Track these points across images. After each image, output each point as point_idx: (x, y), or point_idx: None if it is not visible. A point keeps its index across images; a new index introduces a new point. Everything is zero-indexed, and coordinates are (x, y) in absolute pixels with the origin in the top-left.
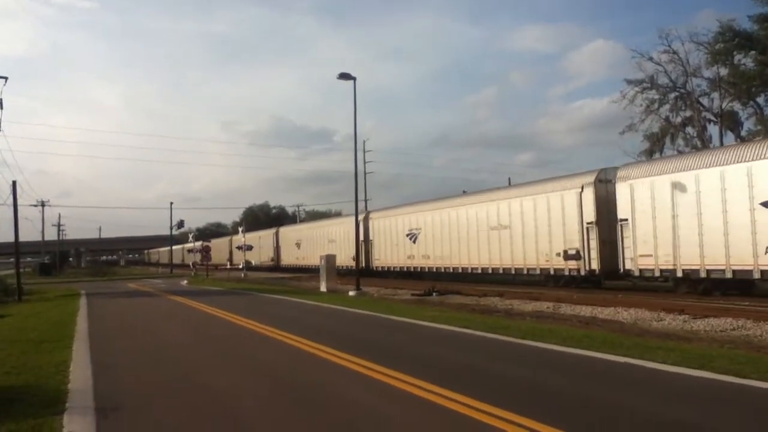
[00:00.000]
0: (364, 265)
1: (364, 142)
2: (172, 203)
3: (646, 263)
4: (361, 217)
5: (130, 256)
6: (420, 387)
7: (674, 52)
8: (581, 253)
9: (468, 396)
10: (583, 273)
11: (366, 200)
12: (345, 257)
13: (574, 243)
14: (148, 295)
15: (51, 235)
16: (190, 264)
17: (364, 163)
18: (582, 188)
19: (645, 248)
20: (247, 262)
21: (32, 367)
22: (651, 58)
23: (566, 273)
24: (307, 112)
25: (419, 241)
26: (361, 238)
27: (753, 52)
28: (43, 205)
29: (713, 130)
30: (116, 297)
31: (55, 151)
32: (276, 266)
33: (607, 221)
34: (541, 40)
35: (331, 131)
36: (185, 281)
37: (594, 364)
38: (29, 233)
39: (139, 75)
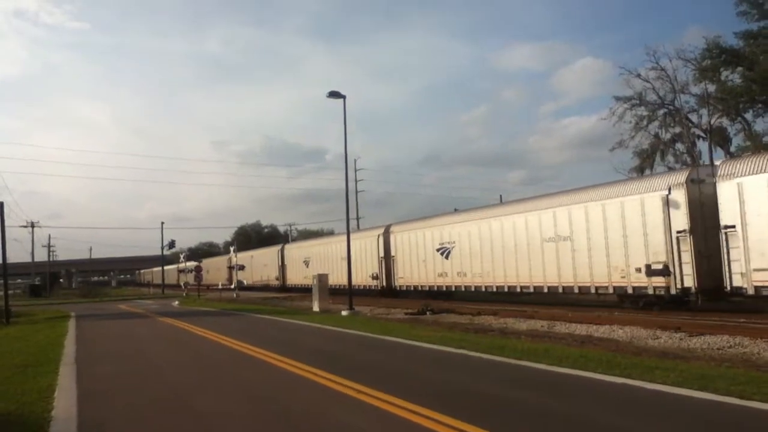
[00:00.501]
0: (385, 284)
1: (355, 160)
2: (163, 223)
3: (763, 279)
4: (380, 231)
5: (122, 276)
6: (419, 414)
7: (662, 69)
8: (670, 268)
9: (467, 423)
10: (673, 291)
11: (357, 219)
12: (363, 276)
13: (660, 256)
14: (139, 317)
15: (41, 256)
16: (182, 284)
17: (356, 181)
18: (669, 190)
19: (761, 261)
20: (239, 282)
21: (15, 394)
22: (639, 75)
23: (650, 291)
24: (299, 131)
25: (453, 256)
26: (382, 254)
27: (740, 68)
28: (32, 226)
29: (702, 146)
30: (106, 319)
31: (44, 171)
32: (282, 286)
33: (704, 229)
34: (530, 58)
35: (322, 150)
36: (176, 302)
37: (592, 386)
38: (18, 255)
39: (129, 95)
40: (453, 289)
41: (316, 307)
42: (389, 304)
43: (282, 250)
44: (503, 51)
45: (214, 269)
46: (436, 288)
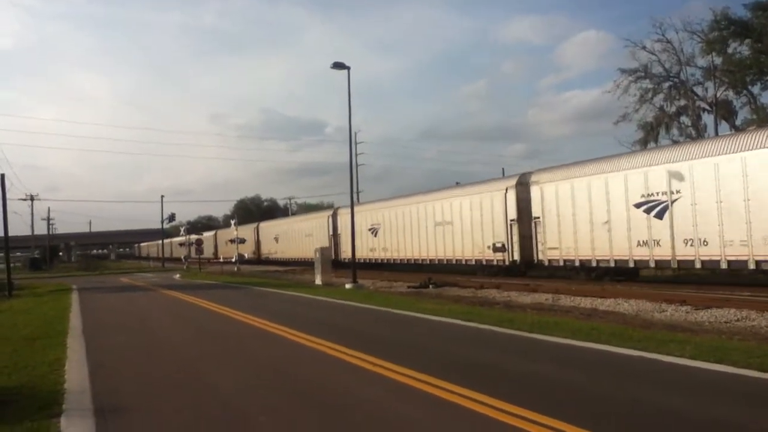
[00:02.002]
0: (333, 256)
1: (355, 134)
2: (163, 196)
3: (553, 254)
4: (329, 213)
5: (121, 250)
6: (437, 386)
7: (668, 41)
8: (506, 246)
9: (491, 396)
10: (507, 263)
11: (358, 192)
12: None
13: (501, 237)
14: (142, 290)
15: (40, 229)
16: (182, 258)
17: (356, 155)
18: (506, 190)
19: (552, 242)
20: (240, 256)
21: (25, 367)
22: (644, 47)
23: (494, 263)
24: (298, 104)
25: (379, 235)
26: (331, 232)
27: (748, 40)
28: (32, 198)
29: (708, 119)
30: (109, 292)
31: (43, 144)
32: (257, 259)
33: (526, 218)
34: (532, 31)
35: (322, 123)
36: (178, 275)
37: (610, 359)
38: (18, 228)
39: (126, 67)
40: (379, 261)
41: (318, 281)
42: (391, 278)
43: (257, 228)
44: (504, 24)
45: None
46: (368, 260)
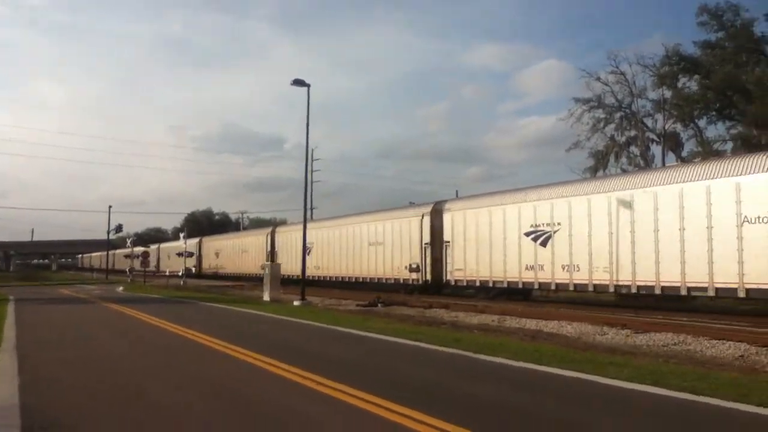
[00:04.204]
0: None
1: (312, 150)
2: (110, 207)
3: (459, 275)
4: (269, 230)
5: (64, 260)
6: (381, 406)
7: (621, 73)
8: (420, 267)
9: (430, 415)
10: (421, 282)
11: (312, 209)
12: (255, 266)
13: (416, 259)
14: (83, 302)
15: None
16: (127, 270)
17: (312, 171)
18: (422, 216)
19: (459, 264)
20: (187, 270)
21: None
22: (599, 78)
23: (410, 282)
24: (259, 119)
25: (312, 254)
26: (269, 249)
27: (697, 76)
28: None
29: (656, 150)
30: (48, 304)
31: None
32: (198, 273)
33: (438, 242)
34: (494, 58)
35: (281, 139)
36: (121, 288)
37: (549, 380)
38: None
39: (86, 75)
40: (311, 278)
41: (266, 297)
42: (340, 296)
43: (200, 242)
44: (467, 49)
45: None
46: (299, 277)
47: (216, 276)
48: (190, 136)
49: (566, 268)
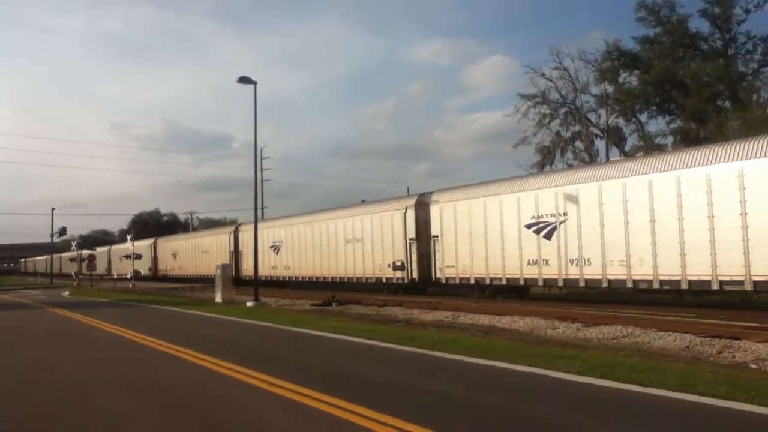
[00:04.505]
0: (234, 274)
1: (261, 149)
2: (53, 209)
3: (451, 273)
4: (232, 229)
5: (5, 265)
6: (335, 405)
7: (565, 69)
8: (405, 264)
9: (383, 413)
10: (406, 281)
11: (263, 208)
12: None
13: (401, 255)
14: (26, 308)
15: None
16: (73, 274)
17: (261, 170)
18: (406, 209)
19: (449, 260)
20: (136, 272)
21: None
22: (543, 75)
23: (394, 281)
24: (204, 117)
25: (282, 252)
26: (232, 248)
27: (637, 71)
28: None
29: (600, 144)
30: None
31: None
32: (154, 276)
33: (424, 237)
34: (440, 54)
35: (228, 137)
36: (67, 292)
37: (502, 375)
38: None
39: (21, 71)
40: (281, 279)
41: (218, 298)
42: (294, 296)
43: (155, 244)
44: (414, 45)
45: (101, 259)
46: (269, 278)
47: (174, 278)
48: (134, 135)
49: (575, 262)
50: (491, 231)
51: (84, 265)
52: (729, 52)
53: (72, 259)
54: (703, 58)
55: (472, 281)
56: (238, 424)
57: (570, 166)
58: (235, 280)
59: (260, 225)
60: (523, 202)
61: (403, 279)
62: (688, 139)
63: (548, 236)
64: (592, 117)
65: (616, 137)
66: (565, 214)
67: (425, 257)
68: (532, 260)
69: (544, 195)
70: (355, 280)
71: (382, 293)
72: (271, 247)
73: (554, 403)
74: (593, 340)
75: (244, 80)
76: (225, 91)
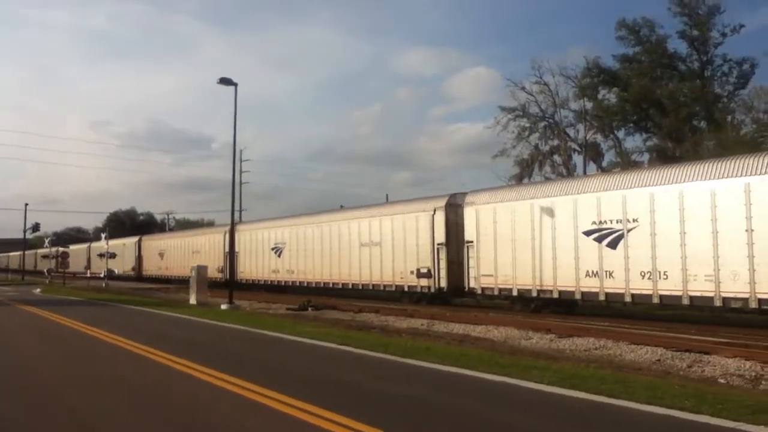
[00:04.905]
0: (229, 276)
1: (241, 150)
2: (27, 204)
3: (488, 282)
4: (226, 229)
5: None
6: (305, 410)
7: (545, 84)
8: (432, 272)
9: (355, 420)
10: (433, 290)
11: (241, 210)
12: (211, 269)
13: (426, 262)
14: None
15: None
16: (45, 271)
17: (241, 172)
18: (434, 211)
19: (487, 269)
20: (110, 271)
21: None
22: (524, 88)
23: (418, 289)
24: (186, 117)
25: (284, 255)
26: (227, 250)
27: (616, 88)
28: None
29: (578, 159)
30: None
31: None
32: (138, 276)
33: (456, 242)
34: (427, 62)
35: (209, 138)
36: (39, 290)
37: (474, 384)
38: None
39: (2, 65)
40: (283, 283)
41: (193, 300)
42: (269, 299)
43: (139, 242)
44: (400, 52)
45: (80, 256)
46: (269, 282)
47: (160, 279)
48: (115, 132)
49: (647, 275)
50: (541, 237)
51: (57, 262)
52: (706, 74)
53: (45, 256)
54: (681, 78)
55: (515, 293)
56: (202, 423)
57: (548, 179)
58: (233, 283)
59: (261, 225)
60: (581, 206)
61: (429, 287)
62: (664, 157)
63: (612, 245)
64: (571, 132)
65: (593, 152)
66: (634, 221)
67: (456, 264)
68: (592, 272)
69: (608, 198)
70: (370, 287)
71: (401, 302)
72: (273, 249)
73: (529, 411)
74: (566, 352)
75: (224, 81)
76: (209, 91)
